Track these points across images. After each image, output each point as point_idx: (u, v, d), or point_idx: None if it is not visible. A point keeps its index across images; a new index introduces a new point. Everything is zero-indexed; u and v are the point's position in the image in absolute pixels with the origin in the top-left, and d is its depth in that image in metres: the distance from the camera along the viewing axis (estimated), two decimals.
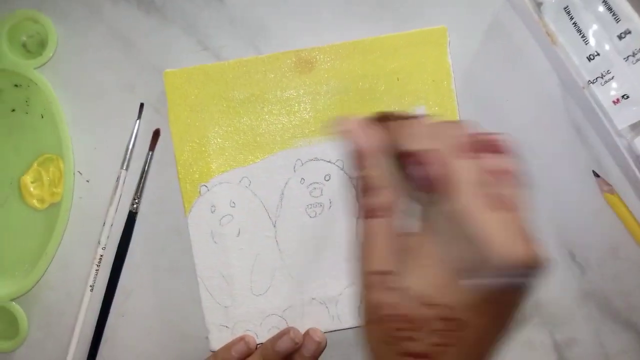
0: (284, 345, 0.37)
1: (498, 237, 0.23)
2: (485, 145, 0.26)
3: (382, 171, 0.28)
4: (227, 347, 0.38)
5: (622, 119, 0.37)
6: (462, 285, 0.25)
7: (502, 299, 0.25)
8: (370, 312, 0.27)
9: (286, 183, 0.39)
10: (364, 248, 0.27)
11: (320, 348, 0.38)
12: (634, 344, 0.41)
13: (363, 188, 0.28)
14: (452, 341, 0.25)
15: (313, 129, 0.39)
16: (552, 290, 0.41)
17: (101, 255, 0.40)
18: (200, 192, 0.39)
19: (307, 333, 0.38)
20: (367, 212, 0.28)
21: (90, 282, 0.40)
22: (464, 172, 0.25)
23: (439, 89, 0.39)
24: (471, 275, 0.24)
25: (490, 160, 0.25)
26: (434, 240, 0.26)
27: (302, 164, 0.39)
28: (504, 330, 0.26)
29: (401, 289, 0.26)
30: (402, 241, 0.27)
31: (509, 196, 0.25)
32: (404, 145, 0.27)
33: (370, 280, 0.27)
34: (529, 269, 0.24)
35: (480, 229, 0.24)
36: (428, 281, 0.25)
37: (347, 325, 0.39)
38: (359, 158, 0.28)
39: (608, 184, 0.40)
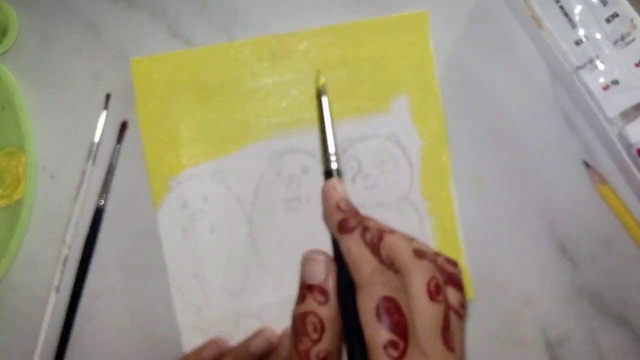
0: (258, 345, 0.35)
1: None
2: (451, 279, 0.27)
3: (330, 312, 0.28)
4: (198, 350, 0.36)
5: (612, 106, 0.36)
6: None
7: None
8: None
9: (261, 176, 0.37)
10: None
11: None
12: (627, 340, 0.40)
13: (299, 329, 0.28)
14: None
15: (289, 118, 0.37)
16: (543, 286, 0.40)
17: (67, 255, 0.38)
18: (170, 186, 0.37)
19: (286, 332, 0.36)
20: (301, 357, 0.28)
21: (56, 283, 0.38)
22: (429, 318, 0.25)
23: (421, 75, 0.38)
24: None
25: (452, 296, 0.26)
26: None
27: (278, 156, 0.37)
28: None
29: None
30: None
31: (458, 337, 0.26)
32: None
33: None
34: None
35: None
36: None
37: None
38: (311, 292, 0.28)
39: (599, 175, 0.39)
